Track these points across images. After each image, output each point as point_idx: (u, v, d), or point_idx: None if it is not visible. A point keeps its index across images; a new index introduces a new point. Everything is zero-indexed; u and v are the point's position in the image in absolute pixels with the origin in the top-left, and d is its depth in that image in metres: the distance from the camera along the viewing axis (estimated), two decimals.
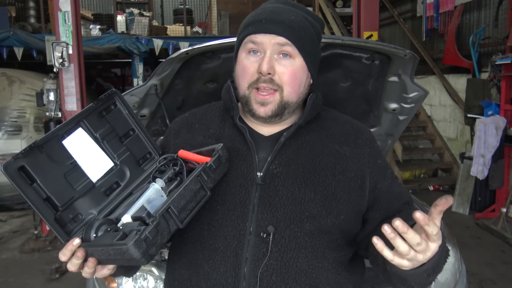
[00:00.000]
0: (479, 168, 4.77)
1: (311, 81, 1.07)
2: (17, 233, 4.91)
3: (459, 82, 6.24)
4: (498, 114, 4.83)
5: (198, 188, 0.88)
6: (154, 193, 0.91)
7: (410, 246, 0.78)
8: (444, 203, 0.74)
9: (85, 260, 0.85)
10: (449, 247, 1.99)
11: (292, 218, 0.96)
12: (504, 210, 4.59)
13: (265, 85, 0.98)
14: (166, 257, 2.01)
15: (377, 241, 0.78)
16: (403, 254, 0.78)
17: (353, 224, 1.03)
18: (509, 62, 4.48)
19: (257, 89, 1.00)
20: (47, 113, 4.28)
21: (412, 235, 0.77)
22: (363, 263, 1.12)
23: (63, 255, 0.85)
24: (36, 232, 4.50)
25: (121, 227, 0.87)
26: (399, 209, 1.07)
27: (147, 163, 1.06)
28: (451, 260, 2.02)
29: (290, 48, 0.98)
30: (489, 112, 4.91)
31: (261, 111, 1.01)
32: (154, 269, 1.95)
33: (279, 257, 0.94)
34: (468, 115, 5.40)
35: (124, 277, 1.92)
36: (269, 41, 0.98)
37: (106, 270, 0.87)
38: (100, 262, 0.84)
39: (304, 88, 1.04)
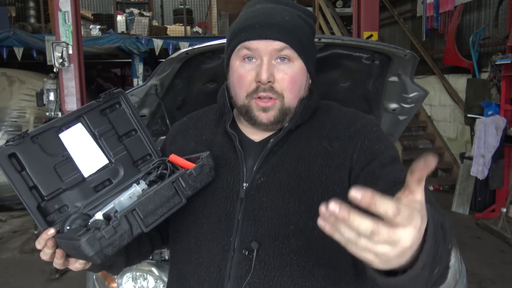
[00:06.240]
0: (479, 168, 4.77)
1: (310, 81, 1.03)
2: (17, 233, 4.91)
3: (459, 82, 6.23)
4: (498, 114, 4.83)
5: (171, 194, 0.86)
6: (131, 194, 0.91)
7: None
8: (422, 167, 0.51)
9: None
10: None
11: (277, 233, 0.90)
12: (504, 210, 4.59)
13: (265, 94, 0.93)
14: (166, 257, 2.02)
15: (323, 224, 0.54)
16: (350, 241, 0.53)
17: None
18: (509, 62, 4.48)
19: (258, 97, 0.94)
20: (47, 113, 4.28)
21: (349, 223, 0.51)
22: (363, 278, 1.00)
23: (38, 243, 0.87)
24: (36, 232, 4.50)
25: (89, 223, 0.88)
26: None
27: (145, 164, 1.05)
28: (451, 260, 2.01)
29: (289, 52, 0.92)
30: (489, 112, 4.91)
31: (263, 117, 0.95)
32: (154, 269, 1.95)
33: (262, 275, 0.89)
34: (468, 115, 5.40)
35: (124, 277, 1.94)
36: (265, 48, 0.91)
37: (78, 264, 0.87)
38: (68, 255, 0.86)
39: (304, 91, 0.99)
